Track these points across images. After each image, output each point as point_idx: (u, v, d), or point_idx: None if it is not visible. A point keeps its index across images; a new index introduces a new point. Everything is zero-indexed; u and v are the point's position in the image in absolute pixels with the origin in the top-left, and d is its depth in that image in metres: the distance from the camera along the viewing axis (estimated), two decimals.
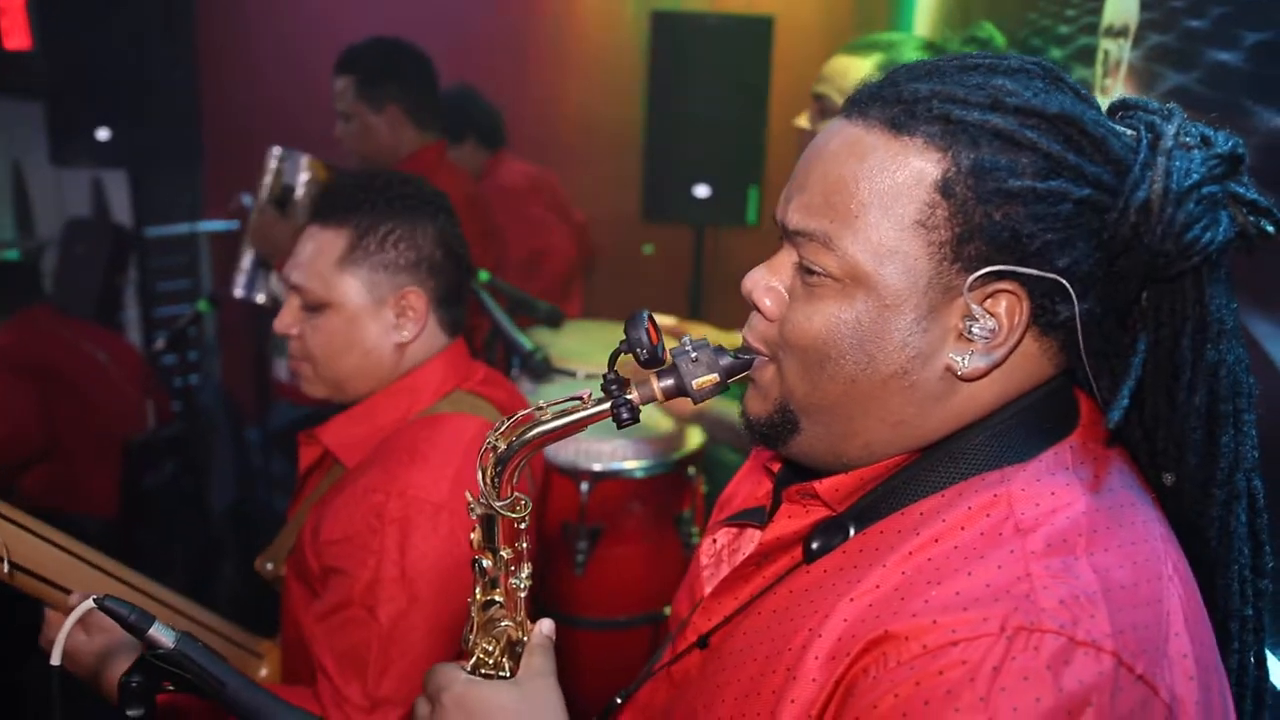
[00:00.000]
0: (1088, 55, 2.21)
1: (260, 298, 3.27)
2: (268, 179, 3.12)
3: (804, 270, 1.02)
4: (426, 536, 1.63)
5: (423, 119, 3.30)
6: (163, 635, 1.16)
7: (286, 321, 1.80)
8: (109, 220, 5.30)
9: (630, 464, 2.75)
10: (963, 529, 0.96)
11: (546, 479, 2.58)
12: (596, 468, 2.72)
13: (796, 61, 4.19)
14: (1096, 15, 2.18)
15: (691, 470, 2.87)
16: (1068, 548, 0.91)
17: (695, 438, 2.89)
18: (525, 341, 2.82)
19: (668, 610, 2.73)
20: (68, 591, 1.50)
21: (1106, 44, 2.12)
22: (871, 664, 0.90)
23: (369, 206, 1.77)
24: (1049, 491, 0.96)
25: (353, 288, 1.75)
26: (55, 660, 1.16)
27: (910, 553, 0.97)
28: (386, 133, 3.22)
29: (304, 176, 3.10)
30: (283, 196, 3.09)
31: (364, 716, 1.57)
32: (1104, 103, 1.02)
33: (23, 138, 5.12)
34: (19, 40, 4.68)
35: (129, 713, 1.17)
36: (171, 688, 1.19)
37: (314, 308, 1.76)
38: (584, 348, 3.17)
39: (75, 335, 3.79)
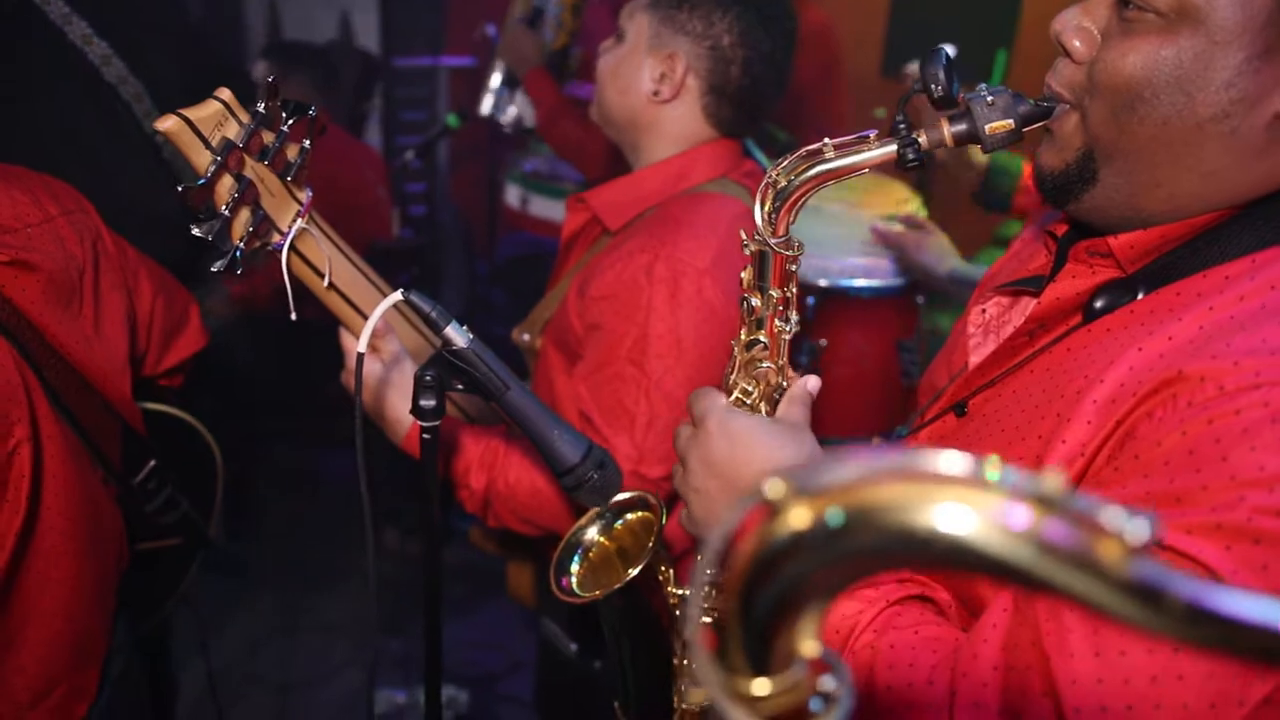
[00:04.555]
0: None
1: (505, 118, 3.41)
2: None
3: (1123, 6, 0.95)
4: (691, 298, 1.69)
5: None
6: (457, 334, 1.26)
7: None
8: (355, 47, 5.54)
9: (859, 282, 2.69)
10: (1273, 289, 0.89)
11: None
12: (823, 283, 2.67)
13: None
14: None
15: (920, 299, 2.79)
16: None
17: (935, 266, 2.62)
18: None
19: (876, 440, 2.72)
20: (363, 315, 1.64)
21: None
22: (1157, 406, 0.86)
23: None
24: None
25: (640, 26, 1.84)
26: (361, 348, 1.29)
27: (1211, 308, 0.90)
28: None
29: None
30: (533, 16, 3.28)
31: (631, 465, 1.66)
32: None
33: None
34: None
35: (421, 403, 1.30)
36: (461, 386, 1.30)
37: (619, 36, 1.88)
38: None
39: (340, 143, 4.01)
